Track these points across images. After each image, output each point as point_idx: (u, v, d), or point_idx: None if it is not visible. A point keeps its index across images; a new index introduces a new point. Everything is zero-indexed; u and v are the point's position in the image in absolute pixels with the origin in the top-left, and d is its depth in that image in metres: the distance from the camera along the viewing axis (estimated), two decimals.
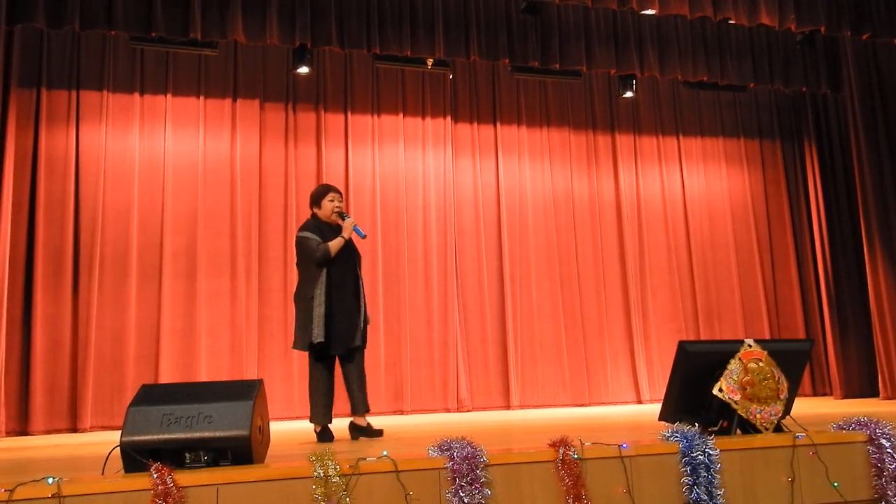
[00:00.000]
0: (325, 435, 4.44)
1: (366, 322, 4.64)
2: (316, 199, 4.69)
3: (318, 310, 4.38)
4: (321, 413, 4.46)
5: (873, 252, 7.52)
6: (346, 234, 4.54)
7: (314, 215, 4.69)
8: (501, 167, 8.26)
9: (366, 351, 4.68)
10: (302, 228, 4.63)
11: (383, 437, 4.49)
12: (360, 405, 4.53)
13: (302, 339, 4.45)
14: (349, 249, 4.62)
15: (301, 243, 4.54)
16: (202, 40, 6.62)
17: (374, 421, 4.72)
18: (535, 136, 8.44)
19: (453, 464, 2.73)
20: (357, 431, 4.53)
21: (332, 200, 4.65)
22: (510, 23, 7.13)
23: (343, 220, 4.62)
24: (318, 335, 4.36)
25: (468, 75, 8.29)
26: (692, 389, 3.46)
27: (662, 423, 3.44)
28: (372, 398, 7.17)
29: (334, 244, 4.49)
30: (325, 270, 4.46)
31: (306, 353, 4.53)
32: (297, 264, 4.65)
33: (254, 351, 7.11)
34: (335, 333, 4.41)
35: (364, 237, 4.73)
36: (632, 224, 8.57)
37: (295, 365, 7.18)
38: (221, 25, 6.31)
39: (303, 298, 4.49)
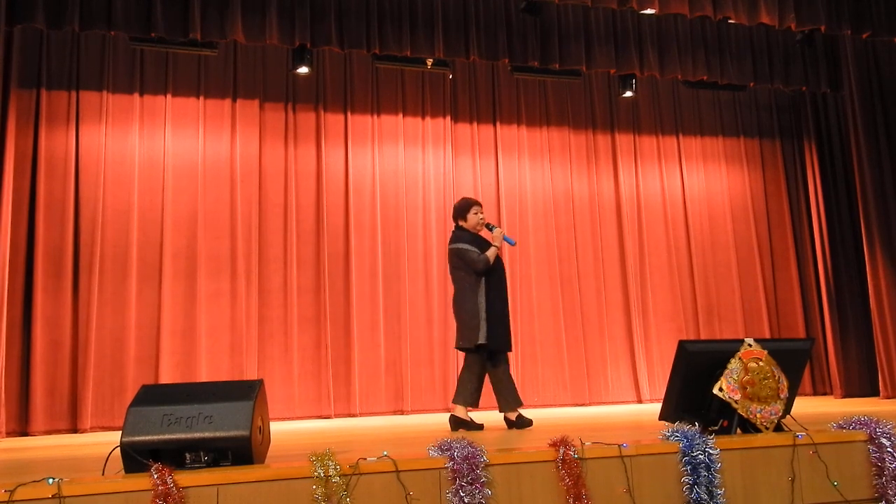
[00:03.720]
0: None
1: None
2: (462, 212, 5.05)
3: (483, 314, 4.80)
4: (470, 400, 4.83)
5: (873, 251, 7.51)
6: (497, 243, 4.94)
7: (461, 227, 5.03)
8: (501, 167, 8.25)
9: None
10: (457, 240, 4.96)
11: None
12: (515, 401, 4.90)
13: (469, 339, 4.83)
14: (498, 257, 5.01)
15: (463, 255, 4.89)
16: (202, 41, 6.60)
17: (373, 421, 4.74)
18: (534, 136, 8.43)
19: (453, 464, 2.73)
20: (512, 425, 4.85)
21: (476, 213, 5.02)
22: (510, 23, 7.13)
23: (491, 230, 4.96)
24: (482, 337, 4.78)
25: (468, 75, 8.28)
26: (692, 389, 3.46)
27: (663, 422, 3.44)
28: (372, 398, 7.26)
29: (491, 254, 4.89)
30: (484, 279, 4.84)
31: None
32: (455, 273, 4.97)
33: (254, 351, 7.10)
34: (497, 335, 4.83)
35: (514, 244, 5.19)
36: (632, 224, 8.57)
37: (295, 365, 7.18)
38: (221, 26, 6.30)
39: (466, 304, 4.85)
